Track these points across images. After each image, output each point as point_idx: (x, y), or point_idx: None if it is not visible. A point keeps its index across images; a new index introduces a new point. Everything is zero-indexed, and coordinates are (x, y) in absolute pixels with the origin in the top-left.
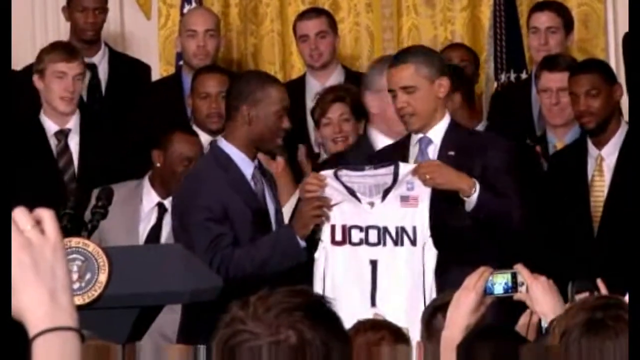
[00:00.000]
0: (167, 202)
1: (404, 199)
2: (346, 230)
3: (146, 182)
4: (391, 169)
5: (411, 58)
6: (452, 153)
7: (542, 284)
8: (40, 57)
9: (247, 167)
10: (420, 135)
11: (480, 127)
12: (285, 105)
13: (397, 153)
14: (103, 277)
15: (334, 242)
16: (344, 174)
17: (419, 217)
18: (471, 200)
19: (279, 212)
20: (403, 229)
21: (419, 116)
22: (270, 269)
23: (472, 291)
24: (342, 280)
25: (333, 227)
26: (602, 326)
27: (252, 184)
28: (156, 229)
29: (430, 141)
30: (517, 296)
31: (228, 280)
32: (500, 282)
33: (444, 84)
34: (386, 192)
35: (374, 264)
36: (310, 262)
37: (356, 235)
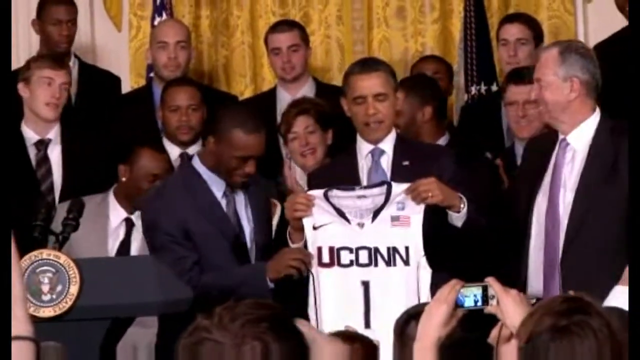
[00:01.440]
0: (135, 217)
1: (395, 218)
2: (334, 252)
3: (111, 197)
4: (384, 189)
5: (382, 67)
6: (406, 163)
7: (513, 297)
8: (27, 65)
9: (218, 187)
10: (371, 146)
11: (442, 141)
12: (249, 154)
13: (344, 167)
14: (74, 289)
15: (321, 264)
16: (334, 194)
17: (411, 237)
18: (461, 215)
19: (258, 232)
20: (395, 249)
21: (384, 124)
22: (236, 298)
23: (444, 303)
24: (334, 303)
25: (320, 249)
26: (568, 332)
27: (223, 203)
28: (125, 244)
29: (382, 152)
30: (488, 309)
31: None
32: (471, 295)
33: (400, 97)
34: (377, 213)
35: (366, 285)
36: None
37: (346, 257)
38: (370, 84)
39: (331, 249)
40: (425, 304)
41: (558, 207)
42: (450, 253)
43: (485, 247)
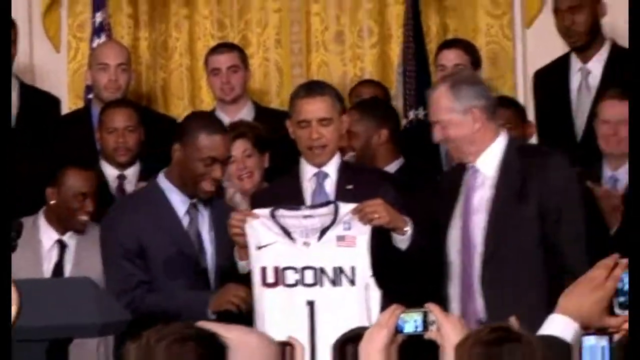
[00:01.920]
0: (67, 238)
1: (340, 238)
2: (279, 272)
3: (42, 219)
4: (331, 208)
5: (327, 90)
6: (350, 187)
7: (454, 323)
8: None
9: (181, 204)
10: (315, 169)
11: (396, 164)
12: (214, 156)
13: (288, 189)
14: (13, 310)
15: (265, 284)
16: (280, 213)
17: (357, 257)
18: (406, 238)
19: (220, 254)
20: (341, 269)
21: (328, 149)
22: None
23: (384, 328)
24: (280, 323)
25: (264, 269)
26: None
27: (184, 221)
28: (59, 267)
29: (326, 175)
30: (428, 335)
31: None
32: (411, 320)
33: (346, 120)
34: (323, 232)
35: (311, 305)
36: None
37: (291, 277)
38: (314, 108)
39: (276, 269)
40: (362, 328)
41: (471, 232)
42: (394, 275)
43: (428, 270)
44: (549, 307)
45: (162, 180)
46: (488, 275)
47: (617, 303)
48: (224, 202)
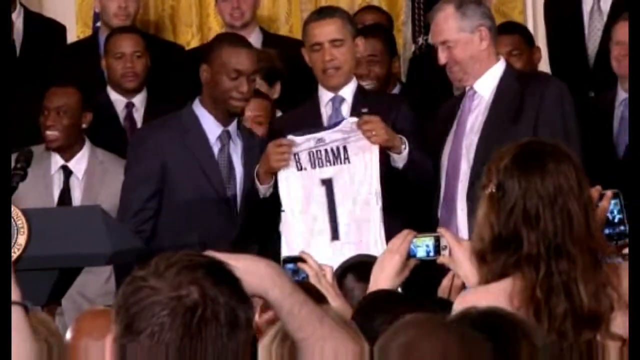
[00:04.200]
0: (72, 164)
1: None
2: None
3: None
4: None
5: (338, 13)
6: (365, 110)
7: (465, 247)
8: None
9: (213, 130)
10: (331, 94)
11: (396, 91)
12: (239, 69)
13: (307, 115)
14: (22, 239)
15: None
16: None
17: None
18: (402, 157)
19: (249, 181)
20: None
21: (342, 70)
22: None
23: (396, 254)
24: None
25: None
26: None
27: (215, 147)
28: (65, 193)
29: (342, 99)
30: (440, 259)
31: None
32: (423, 245)
33: (360, 43)
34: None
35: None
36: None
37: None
38: (325, 30)
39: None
40: (360, 256)
41: (459, 153)
42: (393, 193)
43: (426, 192)
44: None
45: (197, 106)
46: (473, 195)
47: (604, 234)
48: (257, 136)
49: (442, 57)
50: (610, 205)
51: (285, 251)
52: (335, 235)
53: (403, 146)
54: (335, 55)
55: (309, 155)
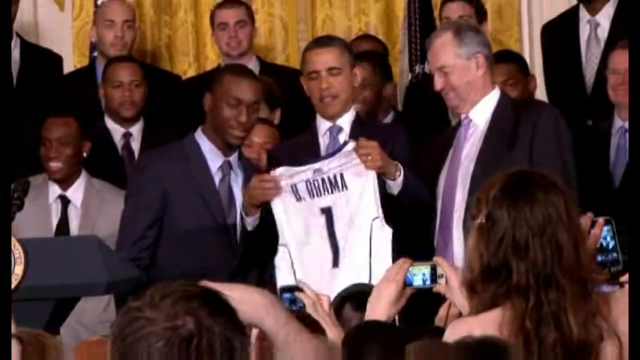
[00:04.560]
0: (69, 194)
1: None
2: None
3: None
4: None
5: (335, 42)
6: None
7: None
8: None
9: (214, 159)
10: (329, 124)
11: (389, 119)
12: (240, 97)
13: (305, 144)
14: (19, 269)
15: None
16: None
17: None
18: (397, 183)
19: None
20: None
21: (339, 99)
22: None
23: (393, 283)
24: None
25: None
26: None
27: (216, 177)
28: (64, 222)
29: (340, 129)
30: (436, 288)
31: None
32: (419, 273)
33: (358, 73)
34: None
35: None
36: None
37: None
38: (323, 58)
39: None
40: (359, 285)
41: (455, 179)
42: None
43: (423, 218)
44: None
45: (199, 135)
46: (469, 224)
47: (596, 262)
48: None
49: (438, 83)
50: (602, 232)
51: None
52: (336, 263)
53: (398, 173)
54: (332, 84)
55: (307, 184)
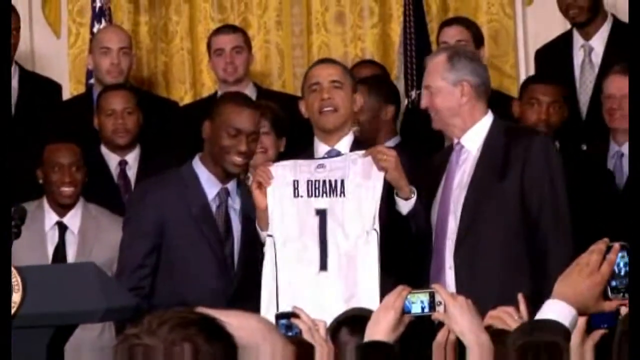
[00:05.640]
0: (67, 220)
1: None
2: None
3: (45, 202)
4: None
5: (339, 63)
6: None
7: (460, 304)
8: None
9: (211, 187)
10: (328, 147)
11: (393, 142)
12: (239, 127)
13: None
14: (17, 297)
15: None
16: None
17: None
18: (408, 204)
19: (247, 241)
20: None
21: (339, 113)
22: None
23: (391, 310)
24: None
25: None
26: None
27: (213, 205)
28: (60, 249)
29: (339, 154)
30: (435, 315)
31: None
32: (418, 301)
33: (358, 99)
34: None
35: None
36: None
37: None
38: (326, 72)
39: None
40: (357, 309)
41: (448, 206)
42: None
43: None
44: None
45: (196, 163)
46: (461, 251)
47: (610, 288)
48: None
49: (424, 101)
50: (617, 258)
51: (267, 278)
52: (323, 266)
53: (412, 194)
54: (333, 96)
55: (307, 183)
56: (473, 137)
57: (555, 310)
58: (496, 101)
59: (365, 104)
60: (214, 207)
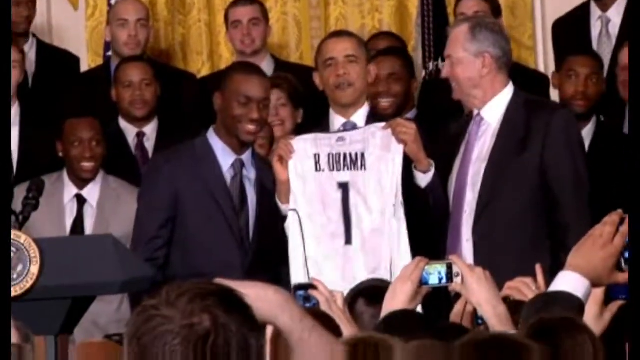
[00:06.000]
0: (86, 193)
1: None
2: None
3: (65, 175)
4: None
5: (353, 35)
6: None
7: (478, 275)
8: None
9: (226, 158)
10: (343, 120)
11: (409, 116)
12: (249, 95)
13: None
14: (35, 269)
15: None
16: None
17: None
18: (426, 177)
19: (263, 211)
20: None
21: (355, 87)
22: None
23: (408, 281)
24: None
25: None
26: None
27: (227, 176)
28: (78, 222)
29: (355, 126)
30: (452, 287)
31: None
32: (435, 272)
33: (372, 70)
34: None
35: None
36: None
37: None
38: (341, 46)
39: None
40: (372, 280)
41: (465, 178)
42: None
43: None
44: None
45: (211, 134)
46: (480, 224)
47: (623, 259)
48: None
49: (445, 71)
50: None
51: (295, 253)
52: (348, 239)
53: (431, 167)
54: (349, 71)
55: (329, 157)
56: (493, 109)
57: (569, 281)
58: (515, 72)
59: (401, 75)
60: (228, 178)
